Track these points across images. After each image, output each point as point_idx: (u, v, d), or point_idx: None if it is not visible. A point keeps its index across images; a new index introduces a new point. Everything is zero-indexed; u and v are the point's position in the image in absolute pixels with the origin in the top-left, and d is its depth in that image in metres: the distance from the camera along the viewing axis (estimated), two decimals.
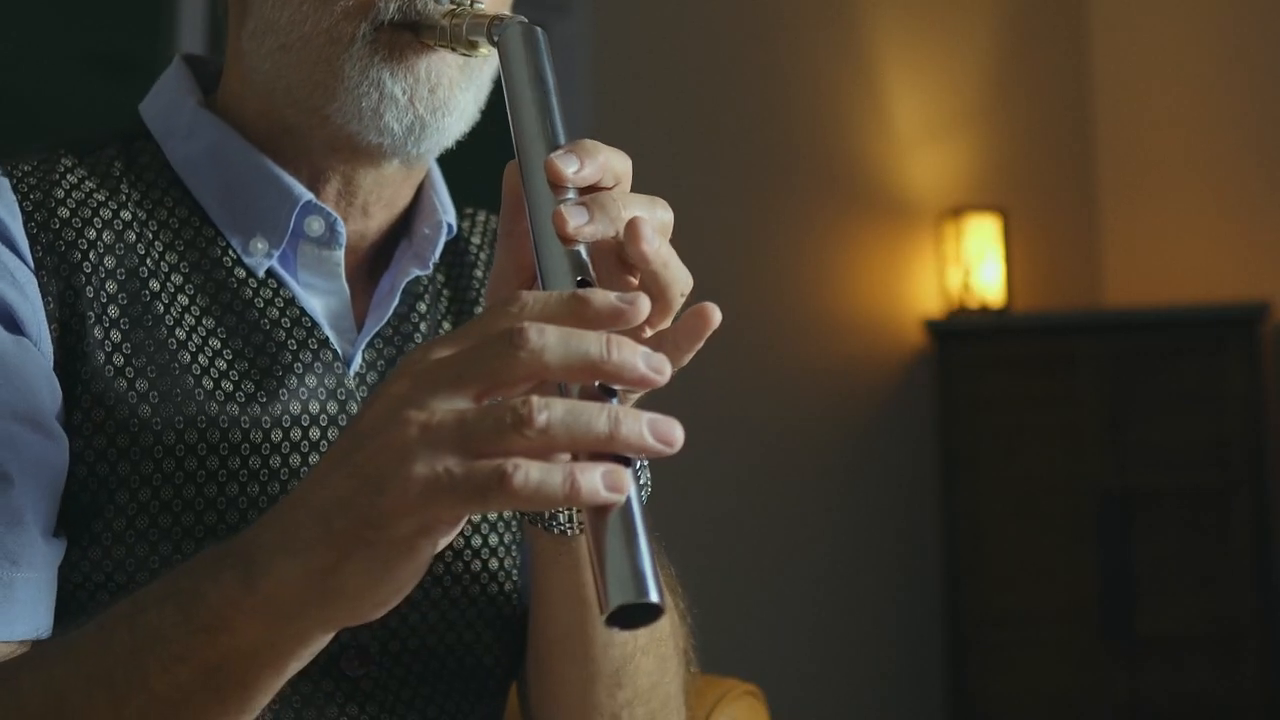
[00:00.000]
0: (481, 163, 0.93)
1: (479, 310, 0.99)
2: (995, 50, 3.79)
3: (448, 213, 0.95)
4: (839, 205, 3.60)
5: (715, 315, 0.67)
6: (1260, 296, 3.47)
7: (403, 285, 0.93)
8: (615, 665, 0.89)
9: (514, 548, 0.95)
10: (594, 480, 0.55)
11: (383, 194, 0.92)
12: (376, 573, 0.58)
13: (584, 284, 0.64)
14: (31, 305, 0.81)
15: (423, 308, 0.95)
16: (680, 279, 0.68)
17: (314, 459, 0.86)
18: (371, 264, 0.94)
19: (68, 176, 0.86)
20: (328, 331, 0.89)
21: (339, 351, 0.89)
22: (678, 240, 0.70)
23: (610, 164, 0.69)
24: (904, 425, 3.55)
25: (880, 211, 3.64)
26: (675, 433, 0.57)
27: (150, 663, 0.63)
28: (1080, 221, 3.81)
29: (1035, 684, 3.30)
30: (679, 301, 0.69)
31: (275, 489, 0.85)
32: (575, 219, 0.65)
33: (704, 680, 1.09)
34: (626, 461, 0.57)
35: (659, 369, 0.58)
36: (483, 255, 1.01)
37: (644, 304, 0.59)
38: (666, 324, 0.70)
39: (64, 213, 0.84)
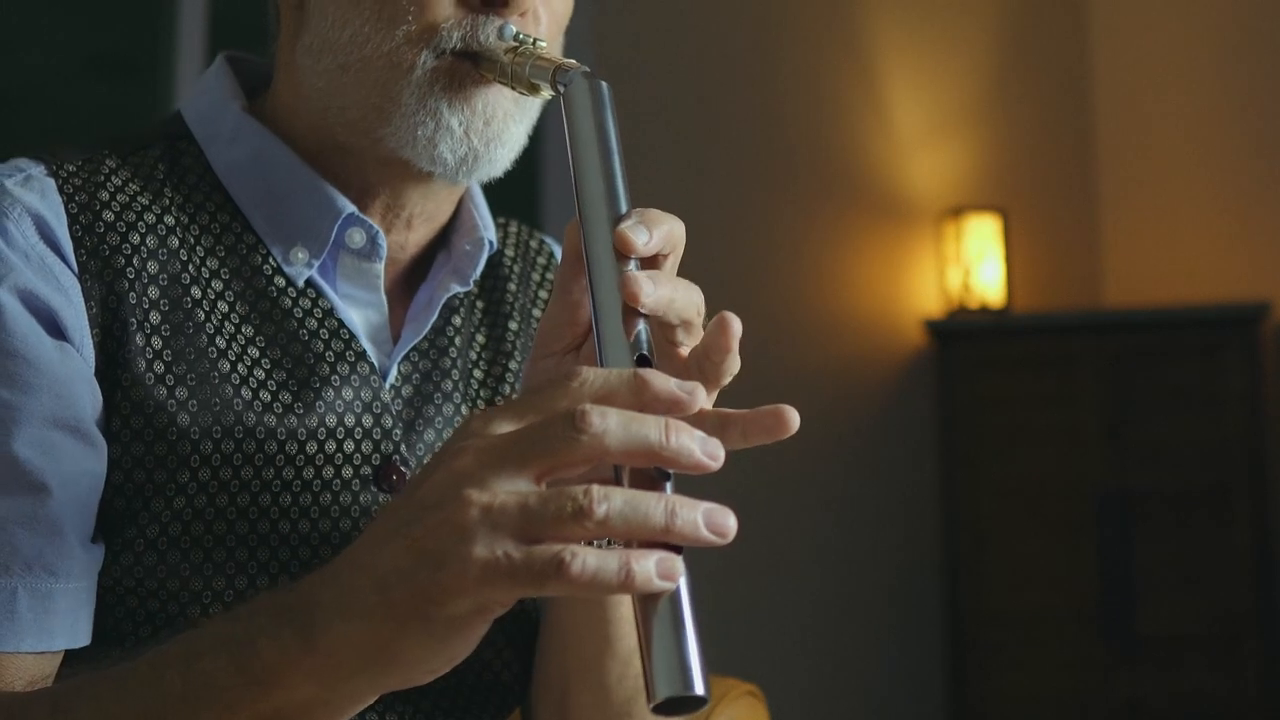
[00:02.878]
0: (512, 170, 0.93)
1: (512, 325, 0.99)
2: (995, 50, 3.79)
3: (488, 229, 0.95)
4: (839, 205, 3.60)
5: (794, 423, 0.68)
6: (1260, 296, 3.47)
7: (441, 300, 0.93)
8: (628, 695, 0.91)
9: None
10: (648, 569, 0.57)
11: (427, 208, 0.92)
12: (432, 645, 0.59)
13: (643, 360, 0.65)
14: (75, 309, 0.81)
15: (458, 321, 0.95)
16: (731, 370, 0.71)
17: (347, 472, 0.86)
18: (409, 276, 0.94)
19: (112, 179, 0.86)
20: (365, 344, 0.89)
21: (376, 365, 0.89)
22: None
23: (673, 233, 0.71)
24: (904, 425, 3.55)
25: (880, 211, 3.64)
26: (729, 523, 0.59)
27: (201, 711, 0.63)
28: (1080, 221, 3.81)
29: (1035, 684, 3.30)
30: (726, 381, 0.71)
31: (308, 500, 0.85)
32: (646, 288, 0.66)
33: None
34: (677, 547, 0.59)
35: (714, 454, 0.59)
36: (516, 268, 1.01)
37: (700, 395, 0.60)
38: (712, 399, 0.72)
39: (109, 216, 0.84)
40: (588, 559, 0.56)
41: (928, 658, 3.49)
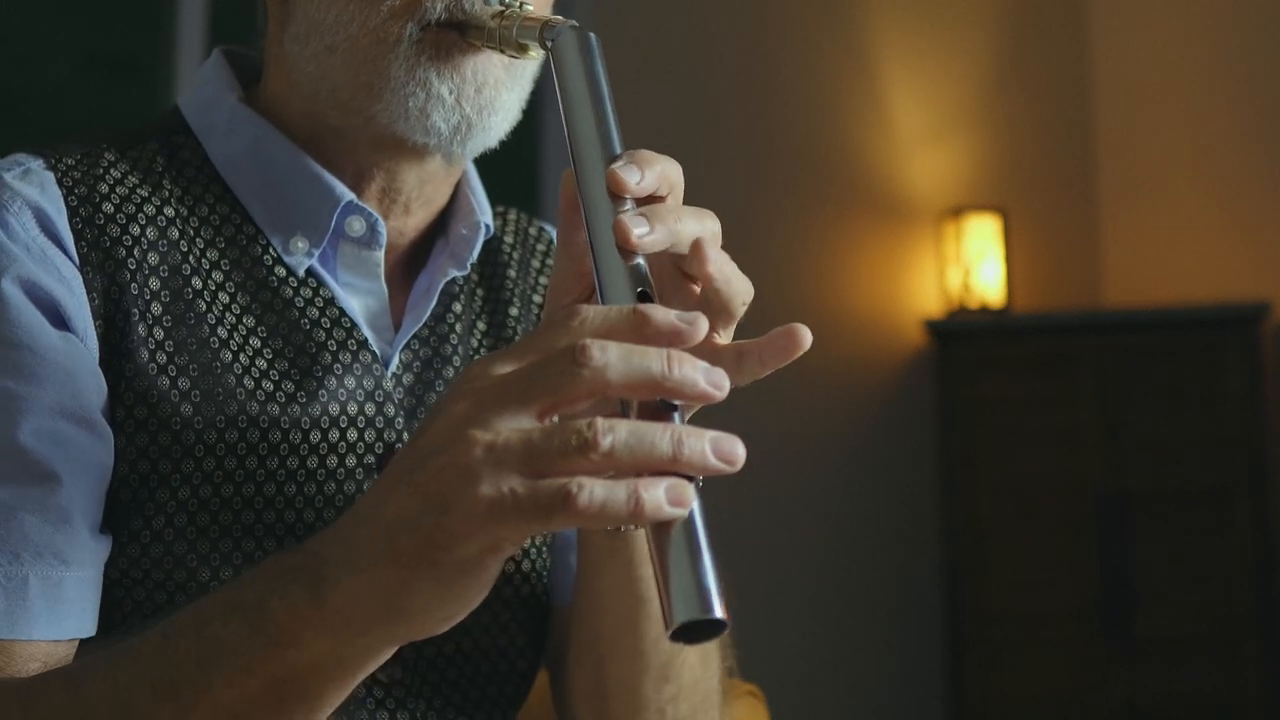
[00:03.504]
0: (511, 160, 0.93)
1: (512, 311, 0.99)
2: (995, 50, 3.79)
3: (485, 213, 0.95)
4: (839, 205, 3.60)
5: (806, 339, 0.68)
6: (1260, 296, 3.47)
7: (440, 286, 0.93)
8: (664, 659, 0.89)
9: (544, 548, 0.95)
10: (658, 497, 0.56)
11: (424, 191, 0.92)
12: (443, 591, 0.59)
13: (644, 295, 0.64)
14: (78, 300, 0.81)
15: (458, 308, 0.95)
16: (741, 291, 0.70)
17: (351, 460, 0.86)
18: (408, 262, 0.94)
19: (111, 171, 0.86)
20: (366, 332, 0.89)
21: (377, 353, 0.89)
22: None
23: (667, 173, 0.70)
24: (904, 425, 3.55)
25: (880, 211, 3.64)
26: (737, 450, 0.58)
27: (216, 675, 0.63)
28: (1080, 221, 3.81)
29: (1035, 684, 3.30)
30: (741, 311, 0.70)
31: (312, 489, 0.85)
32: (637, 229, 0.65)
33: None
34: (689, 476, 0.58)
35: (719, 384, 0.59)
36: (515, 255, 1.01)
37: (702, 325, 0.59)
38: (729, 334, 0.71)
39: (108, 208, 0.84)
40: (595, 489, 0.55)
41: (928, 658, 3.49)
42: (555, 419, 0.59)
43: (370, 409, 0.88)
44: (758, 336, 0.70)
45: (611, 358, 0.57)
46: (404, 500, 0.58)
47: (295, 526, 0.84)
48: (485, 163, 0.95)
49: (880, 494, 3.53)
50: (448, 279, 0.93)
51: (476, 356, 0.96)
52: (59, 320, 0.80)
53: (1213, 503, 3.31)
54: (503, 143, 0.91)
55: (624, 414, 0.61)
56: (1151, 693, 3.26)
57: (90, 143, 0.88)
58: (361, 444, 0.87)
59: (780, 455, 3.36)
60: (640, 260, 0.66)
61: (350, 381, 0.87)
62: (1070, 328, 3.49)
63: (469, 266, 0.94)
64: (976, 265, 3.56)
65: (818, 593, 3.45)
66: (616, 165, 0.68)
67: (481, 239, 0.94)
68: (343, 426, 0.86)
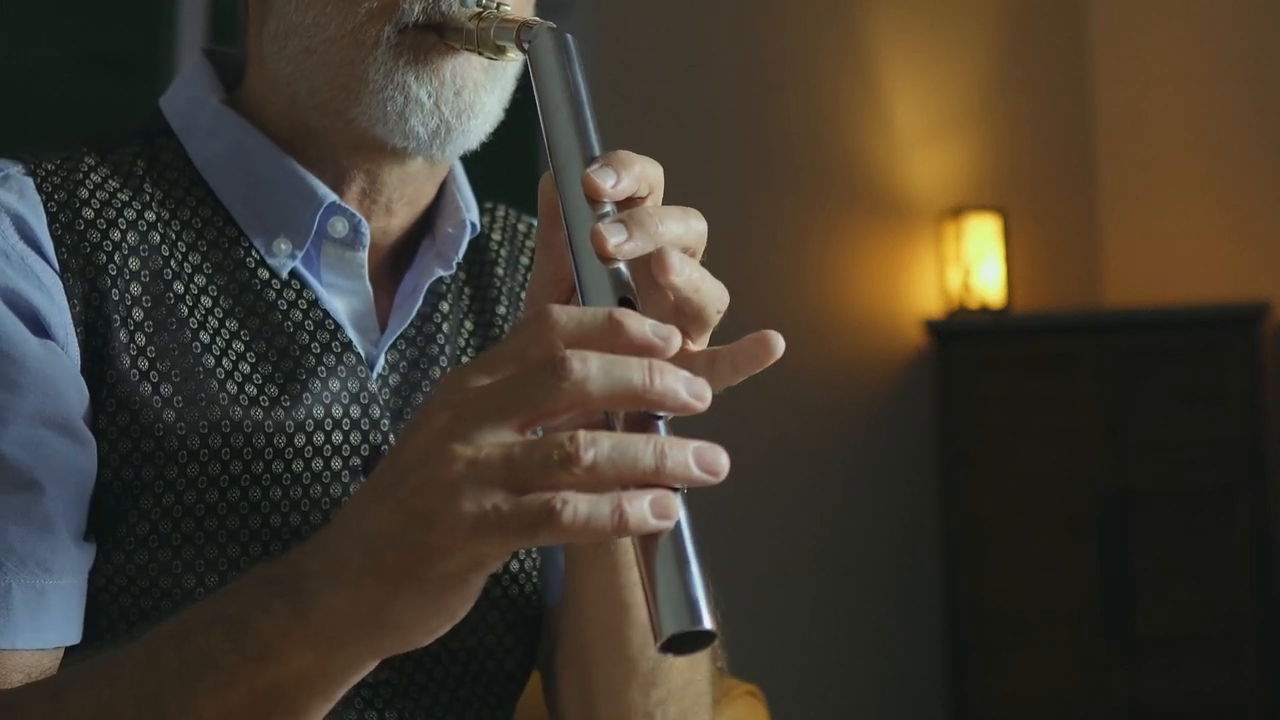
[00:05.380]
0: (500, 157, 0.93)
1: (500, 309, 0.98)
2: (995, 50, 3.79)
3: (470, 211, 0.94)
4: (839, 205, 3.60)
5: (779, 346, 0.67)
6: (1260, 296, 3.47)
7: (426, 286, 0.92)
8: (651, 664, 0.89)
9: (534, 549, 0.95)
10: (642, 509, 0.56)
11: (406, 191, 0.91)
12: (427, 605, 0.59)
13: (625, 302, 0.63)
14: (58, 308, 0.80)
15: (445, 307, 0.94)
16: (714, 299, 0.68)
17: (336, 463, 0.86)
18: (394, 261, 0.94)
19: (91, 176, 0.85)
20: (350, 334, 0.89)
21: (362, 354, 0.89)
22: None
23: (645, 174, 0.69)
24: (904, 425, 3.55)
25: (880, 211, 3.64)
26: (721, 461, 0.57)
27: (199, 688, 0.63)
28: (1080, 221, 3.81)
29: (1035, 684, 3.30)
30: (715, 319, 0.69)
31: (298, 493, 0.84)
32: (614, 237, 0.64)
33: None
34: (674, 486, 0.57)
35: (701, 395, 0.58)
36: (503, 252, 1.01)
37: (676, 340, 0.59)
38: (704, 341, 0.70)
39: (88, 213, 0.83)
40: (579, 504, 0.55)
41: (928, 658, 3.49)
42: (539, 430, 0.58)
43: (355, 411, 0.87)
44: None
45: (592, 370, 0.56)
46: (386, 515, 0.58)
47: (281, 531, 0.84)
48: (482, 158, 0.94)
49: (880, 494, 3.53)
50: (433, 278, 0.93)
51: (464, 356, 0.96)
52: (39, 328, 0.79)
53: (1213, 503, 3.31)
54: (499, 139, 0.91)
55: (608, 422, 0.61)
56: (1151, 693, 3.26)
57: (70, 146, 0.87)
58: (347, 446, 0.86)
59: (780, 455, 3.36)
60: (621, 265, 0.65)
61: (334, 384, 0.87)
62: (1070, 328, 3.49)
63: (454, 265, 0.93)
64: (976, 265, 3.56)
65: (818, 593, 3.45)
66: (592, 169, 0.67)
67: (467, 238, 0.94)
68: (327, 430, 0.86)
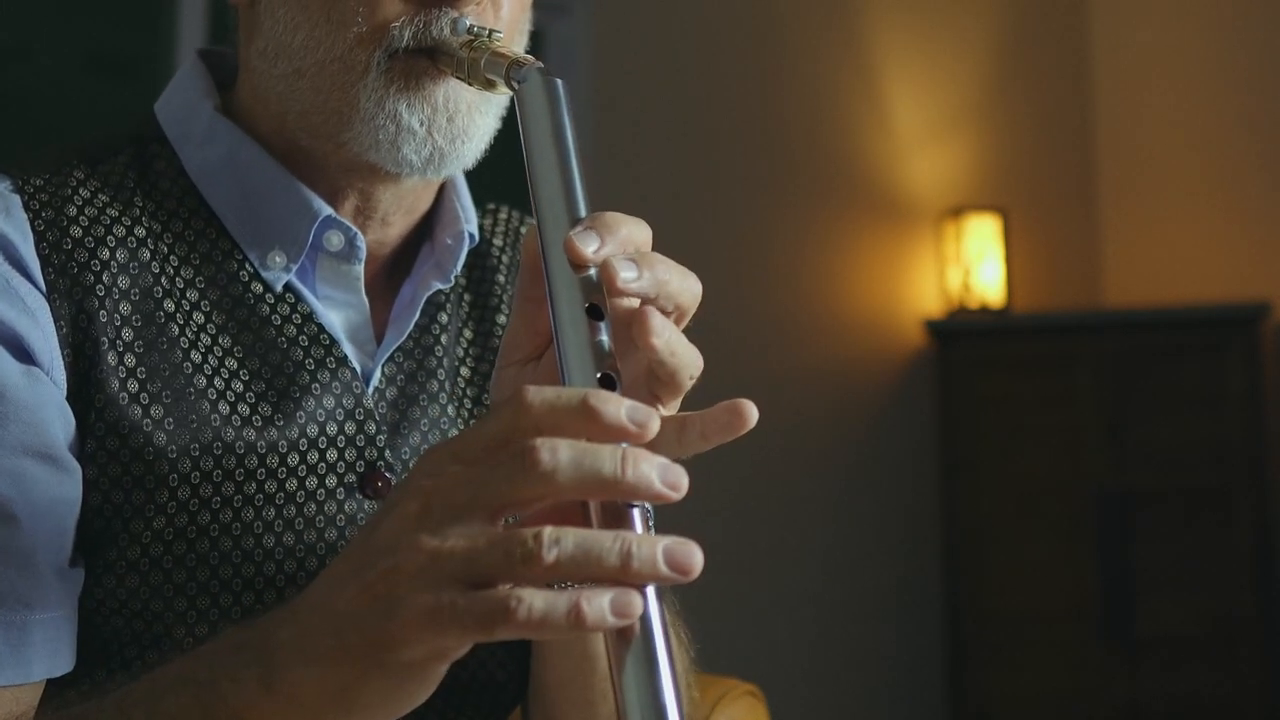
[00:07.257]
0: (500, 157, 0.91)
1: (500, 318, 0.97)
2: (995, 50, 3.79)
3: (470, 221, 0.93)
4: (839, 205, 3.60)
5: (752, 416, 0.65)
6: (1260, 296, 3.47)
7: (424, 298, 0.91)
8: (614, 709, 0.88)
9: None
10: (601, 608, 0.54)
11: (402, 204, 0.90)
12: (391, 689, 0.58)
13: (606, 379, 0.62)
14: (43, 331, 0.79)
15: (444, 318, 0.93)
16: (689, 363, 0.67)
17: (331, 481, 0.85)
18: (391, 270, 0.92)
19: (80, 191, 0.84)
20: (346, 348, 0.87)
21: (358, 369, 0.87)
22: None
23: (631, 237, 0.67)
24: (904, 425, 3.55)
25: (880, 211, 3.64)
26: (693, 560, 0.56)
27: None
28: (1080, 221, 3.81)
29: (1035, 684, 3.30)
30: (688, 384, 0.68)
31: (291, 512, 0.83)
32: (625, 272, 0.63)
33: (704, 680, 1.09)
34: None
35: (675, 484, 0.56)
36: (504, 258, 0.99)
37: (654, 424, 0.57)
38: (675, 406, 0.69)
39: (76, 232, 0.82)
40: (534, 603, 0.54)
41: (928, 658, 3.49)
42: (513, 518, 0.58)
43: (350, 427, 0.86)
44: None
45: (561, 460, 0.55)
46: (354, 597, 0.58)
47: (274, 551, 0.83)
48: (487, 164, 0.92)
49: (880, 494, 3.53)
50: (431, 291, 0.91)
51: (462, 367, 0.94)
52: (23, 354, 0.78)
53: (1213, 503, 3.31)
54: (499, 139, 0.89)
55: (584, 510, 0.60)
56: (1151, 693, 3.26)
57: (60, 156, 0.86)
58: (342, 463, 0.85)
59: (780, 455, 3.36)
60: (604, 334, 0.64)
61: (329, 401, 0.86)
62: (1070, 328, 3.49)
63: (453, 279, 0.92)
64: (976, 265, 3.56)
65: (818, 592, 3.45)
66: (575, 232, 0.65)
67: (466, 248, 0.92)
68: (322, 447, 0.85)
